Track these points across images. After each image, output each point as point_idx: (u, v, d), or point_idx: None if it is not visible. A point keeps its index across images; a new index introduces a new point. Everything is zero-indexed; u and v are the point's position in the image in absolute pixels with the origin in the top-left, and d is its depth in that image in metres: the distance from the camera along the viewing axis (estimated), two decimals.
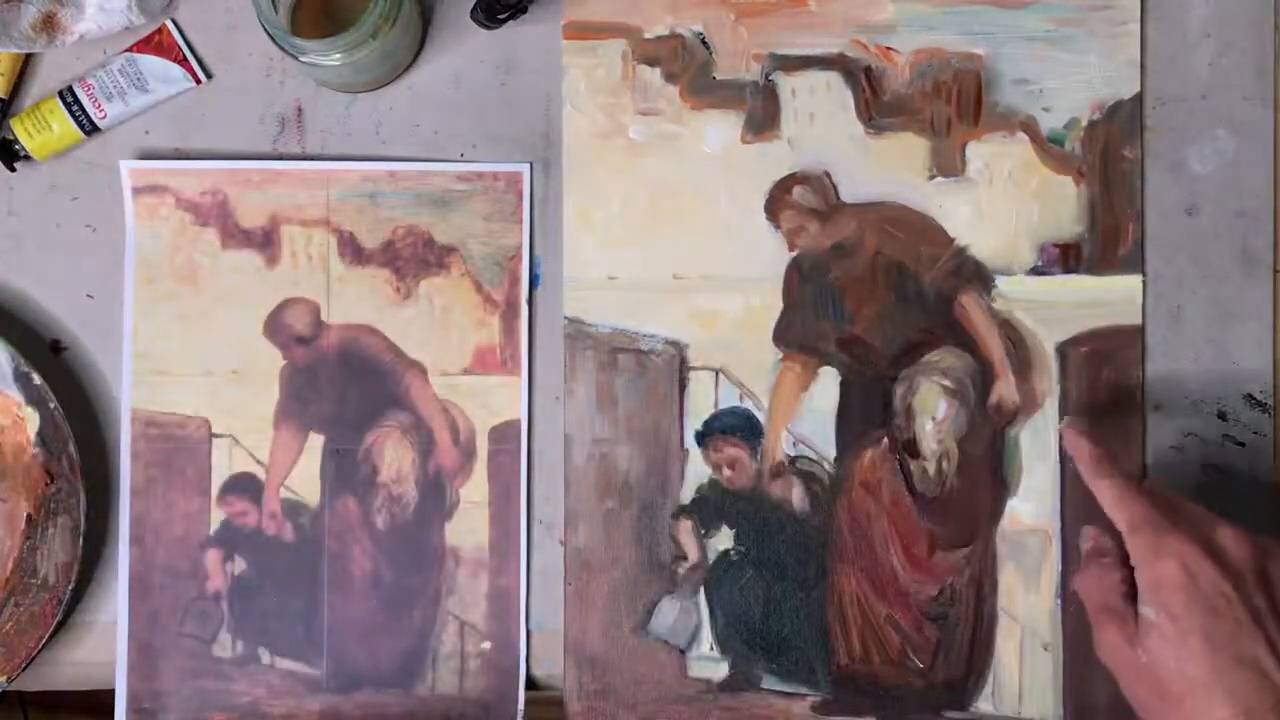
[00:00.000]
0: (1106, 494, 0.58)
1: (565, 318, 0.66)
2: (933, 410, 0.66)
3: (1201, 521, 0.56)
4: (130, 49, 0.66)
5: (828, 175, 0.66)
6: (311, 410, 0.66)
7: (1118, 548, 0.57)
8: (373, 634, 0.65)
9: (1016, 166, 0.66)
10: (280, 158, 0.66)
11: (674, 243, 0.66)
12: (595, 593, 0.66)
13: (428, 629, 0.66)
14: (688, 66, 0.66)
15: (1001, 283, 0.66)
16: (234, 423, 0.66)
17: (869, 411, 0.66)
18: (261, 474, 0.66)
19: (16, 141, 0.65)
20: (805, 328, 0.66)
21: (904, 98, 0.66)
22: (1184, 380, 0.66)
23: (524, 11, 0.65)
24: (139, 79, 0.65)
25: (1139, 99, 0.66)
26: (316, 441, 0.66)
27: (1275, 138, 0.66)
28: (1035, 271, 0.66)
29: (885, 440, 0.66)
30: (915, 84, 0.66)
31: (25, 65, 0.66)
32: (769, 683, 0.65)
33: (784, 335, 0.66)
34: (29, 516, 0.64)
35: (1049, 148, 0.66)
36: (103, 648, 0.66)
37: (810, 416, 0.66)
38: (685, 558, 0.66)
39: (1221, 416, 0.66)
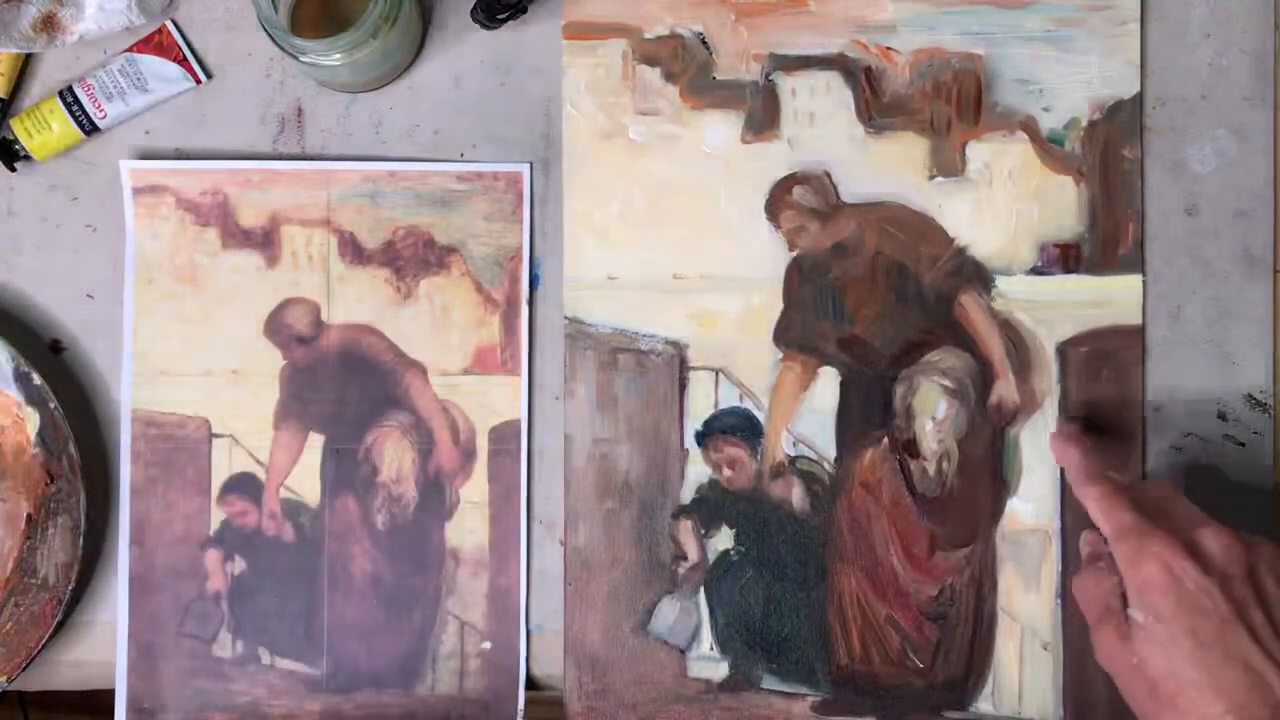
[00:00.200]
0: (1093, 503, 0.59)
1: (565, 318, 0.66)
2: (933, 410, 0.66)
3: (1186, 522, 0.56)
4: (130, 49, 0.66)
5: (828, 175, 0.66)
6: (311, 410, 0.66)
7: (1111, 554, 0.58)
8: (373, 634, 0.65)
9: (1016, 166, 0.66)
10: (280, 158, 0.66)
11: (674, 243, 0.66)
12: (595, 593, 0.66)
13: (428, 629, 0.66)
14: (688, 66, 0.66)
15: (1001, 283, 0.66)
16: (234, 423, 0.66)
17: (869, 411, 0.66)
18: (261, 474, 0.66)
19: (16, 141, 0.65)
20: (805, 328, 0.66)
21: (904, 98, 0.66)
22: (1184, 380, 0.66)
23: (524, 11, 0.65)
24: (139, 79, 0.65)
25: (1139, 99, 0.66)
26: (316, 441, 0.66)
27: (1275, 138, 0.66)
28: (1035, 271, 0.66)
29: (885, 440, 0.66)
30: (915, 84, 0.66)
31: (25, 65, 0.66)
32: (769, 683, 0.65)
33: (784, 335, 0.66)
34: (29, 516, 0.64)
35: (1049, 148, 0.66)
36: (103, 648, 0.66)
37: (810, 416, 0.66)
38: (685, 558, 0.66)
39: (1221, 416, 0.66)
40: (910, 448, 0.66)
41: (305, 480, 0.66)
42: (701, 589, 0.66)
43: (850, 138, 0.66)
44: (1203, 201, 0.66)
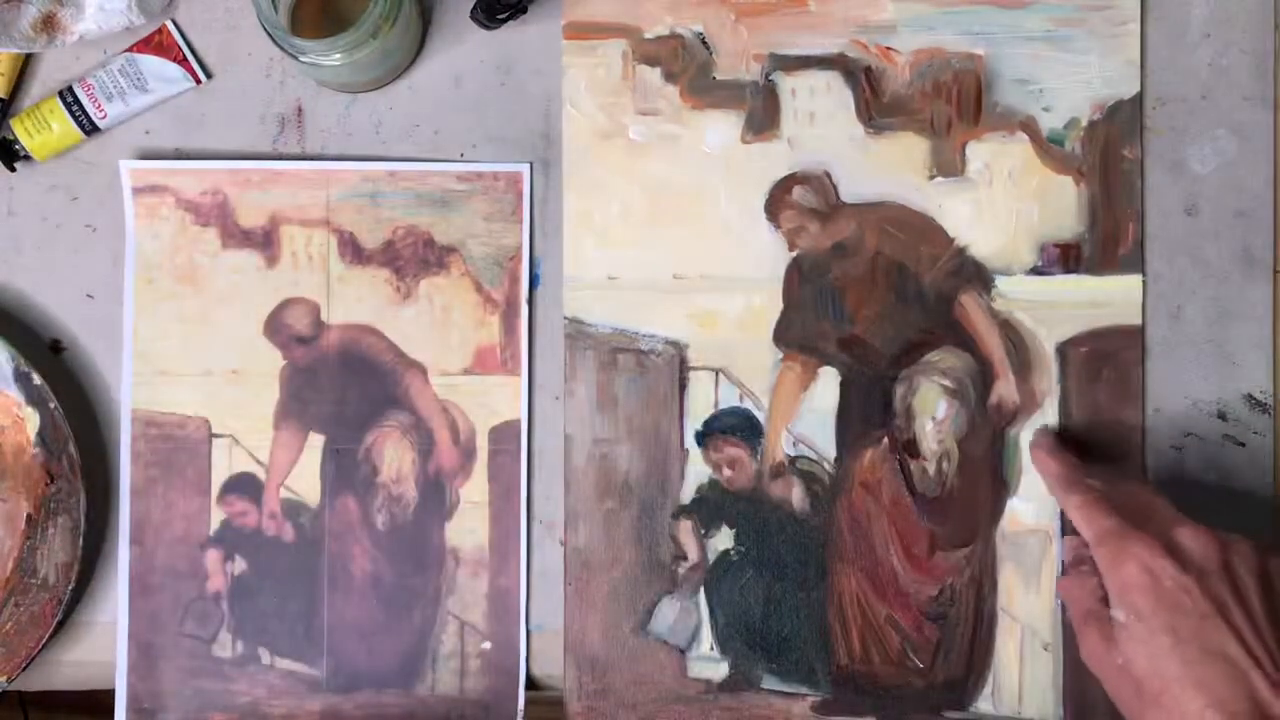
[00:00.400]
0: (1073, 510, 0.60)
1: (565, 318, 0.66)
2: (933, 410, 0.66)
3: (1164, 523, 0.57)
4: (130, 49, 0.66)
5: (828, 175, 0.66)
6: (311, 410, 0.66)
7: (1093, 557, 0.59)
8: (373, 634, 0.65)
9: (1016, 166, 0.66)
10: (280, 158, 0.66)
11: (674, 243, 0.66)
12: (595, 593, 0.66)
13: (428, 629, 0.66)
14: (688, 66, 0.66)
15: (1001, 283, 0.66)
16: (234, 423, 0.66)
17: (869, 411, 0.66)
18: (261, 474, 0.66)
19: (16, 141, 0.65)
20: (805, 328, 0.66)
21: (904, 98, 0.66)
22: (1184, 380, 0.66)
23: (524, 11, 0.65)
24: (139, 79, 0.65)
25: (1139, 99, 0.66)
26: (316, 441, 0.66)
27: (1275, 138, 0.66)
28: (1035, 271, 0.66)
29: (885, 440, 0.66)
30: (915, 84, 0.66)
31: (25, 65, 0.66)
32: (769, 683, 0.65)
33: (784, 335, 0.66)
34: (29, 516, 0.64)
35: (1049, 148, 0.66)
36: (103, 648, 0.66)
37: (810, 416, 0.66)
38: (685, 558, 0.66)
39: (1221, 416, 0.66)
40: (910, 448, 0.66)
41: (305, 480, 0.66)
42: (701, 589, 0.66)
43: (850, 138, 0.66)
44: (1203, 201, 0.66)
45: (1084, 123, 0.66)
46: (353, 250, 0.66)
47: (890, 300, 0.66)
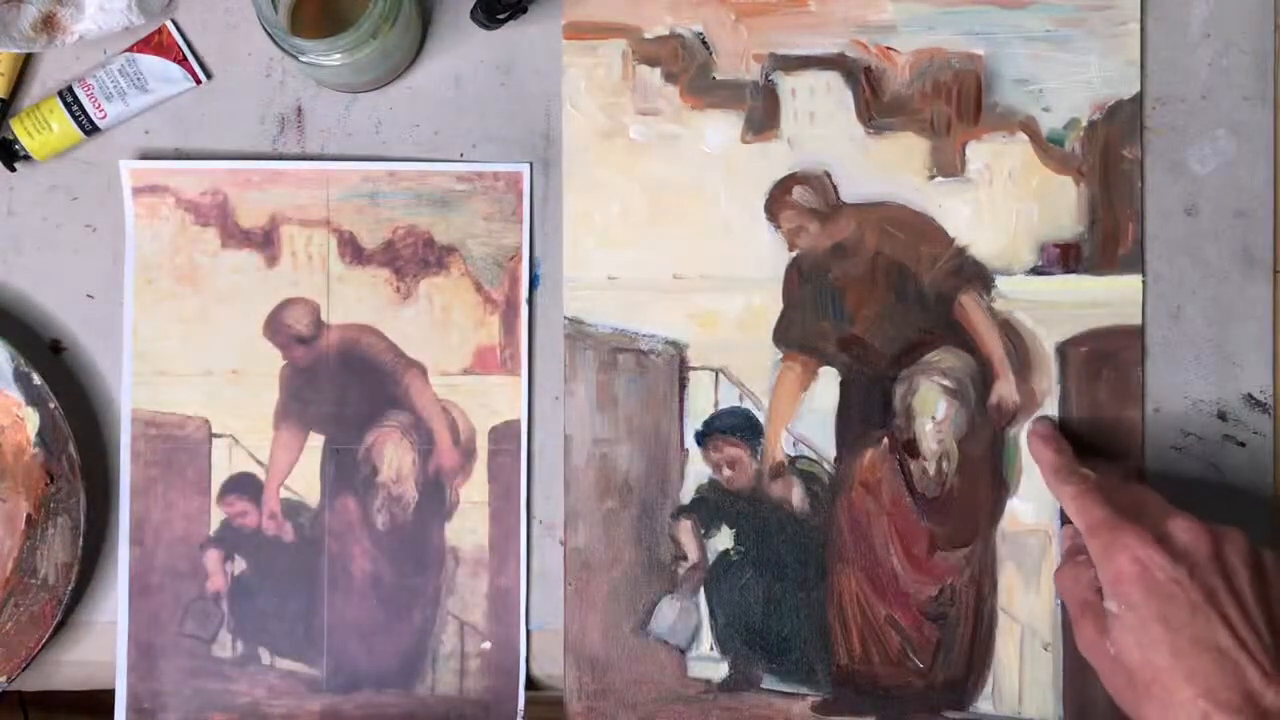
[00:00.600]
0: (1068, 500, 0.60)
1: (565, 318, 0.66)
2: (933, 410, 0.66)
3: (1156, 515, 0.57)
4: (130, 49, 0.66)
5: (828, 175, 0.66)
6: (311, 410, 0.66)
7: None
8: (373, 634, 0.65)
9: (1016, 166, 0.66)
10: (280, 158, 0.66)
11: (674, 243, 0.66)
12: (595, 593, 0.66)
13: (428, 629, 0.66)
14: (688, 66, 0.66)
15: (1001, 283, 0.66)
16: (234, 423, 0.66)
17: (869, 411, 0.66)
18: (261, 474, 0.66)
19: (16, 141, 0.65)
20: (805, 328, 0.66)
21: (904, 98, 0.66)
22: (1184, 380, 0.66)
23: (524, 11, 0.65)
24: (139, 79, 0.65)
25: (1139, 99, 0.66)
26: (316, 441, 0.66)
27: (1275, 138, 0.66)
28: (1035, 271, 0.66)
29: (885, 440, 0.66)
30: (915, 84, 0.66)
31: (25, 65, 0.66)
32: (769, 683, 0.65)
33: (784, 335, 0.66)
34: (29, 516, 0.64)
35: (1049, 148, 0.66)
36: (103, 648, 0.66)
37: (810, 416, 0.66)
38: (685, 558, 0.66)
39: (1221, 416, 0.66)
40: (910, 448, 0.66)
41: (305, 480, 0.66)
42: (701, 589, 0.66)
43: (850, 138, 0.66)
44: (1202, 201, 0.66)
45: (1084, 123, 0.66)
46: (353, 250, 0.66)
47: (890, 300, 0.66)
